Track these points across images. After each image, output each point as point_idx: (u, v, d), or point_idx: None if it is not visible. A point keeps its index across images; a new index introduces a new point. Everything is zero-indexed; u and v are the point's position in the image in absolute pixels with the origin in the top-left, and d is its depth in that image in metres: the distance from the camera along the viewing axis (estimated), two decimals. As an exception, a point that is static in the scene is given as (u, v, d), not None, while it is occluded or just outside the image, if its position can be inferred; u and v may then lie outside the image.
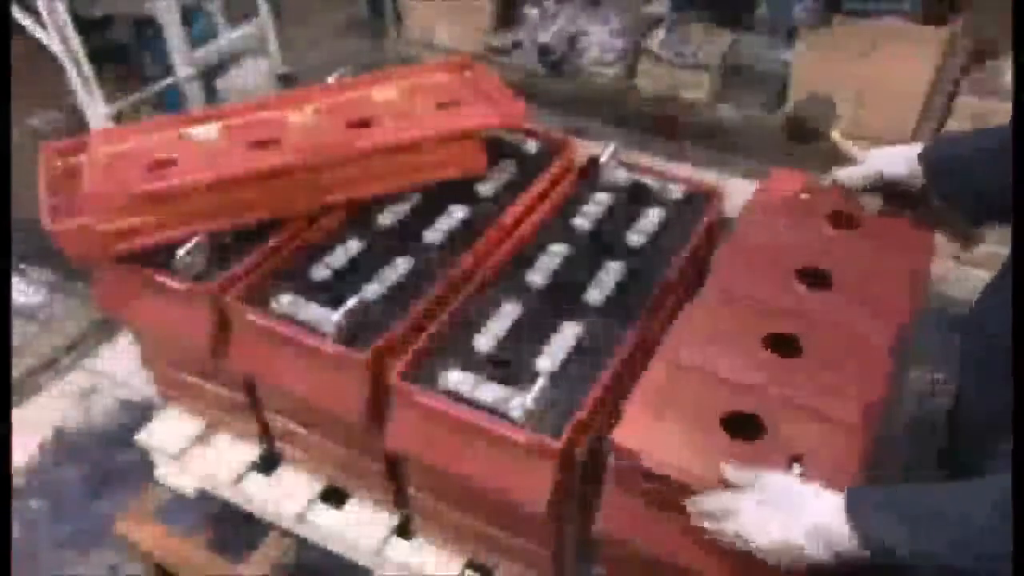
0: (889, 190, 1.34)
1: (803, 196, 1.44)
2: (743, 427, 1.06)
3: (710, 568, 1.05)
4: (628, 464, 1.04)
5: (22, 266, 2.87)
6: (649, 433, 1.05)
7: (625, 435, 1.05)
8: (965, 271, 2.58)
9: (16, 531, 2.06)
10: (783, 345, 1.17)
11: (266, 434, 1.59)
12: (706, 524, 0.99)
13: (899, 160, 1.30)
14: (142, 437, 1.68)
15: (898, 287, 1.26)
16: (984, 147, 1.18)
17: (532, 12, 4.03)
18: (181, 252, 1.37)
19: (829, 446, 1.02)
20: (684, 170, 1.75)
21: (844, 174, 1.36)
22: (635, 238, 1.47)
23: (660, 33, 3.78)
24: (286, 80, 3.73)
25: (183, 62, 3.28)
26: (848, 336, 1.17)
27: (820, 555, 0.90)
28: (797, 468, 1.00)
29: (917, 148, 1.28)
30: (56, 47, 2.92)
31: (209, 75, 3.49)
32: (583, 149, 1.72)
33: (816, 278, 1.28)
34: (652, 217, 1.53)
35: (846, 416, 1.06)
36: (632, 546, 1.11)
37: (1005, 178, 1.01)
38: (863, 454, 1.03)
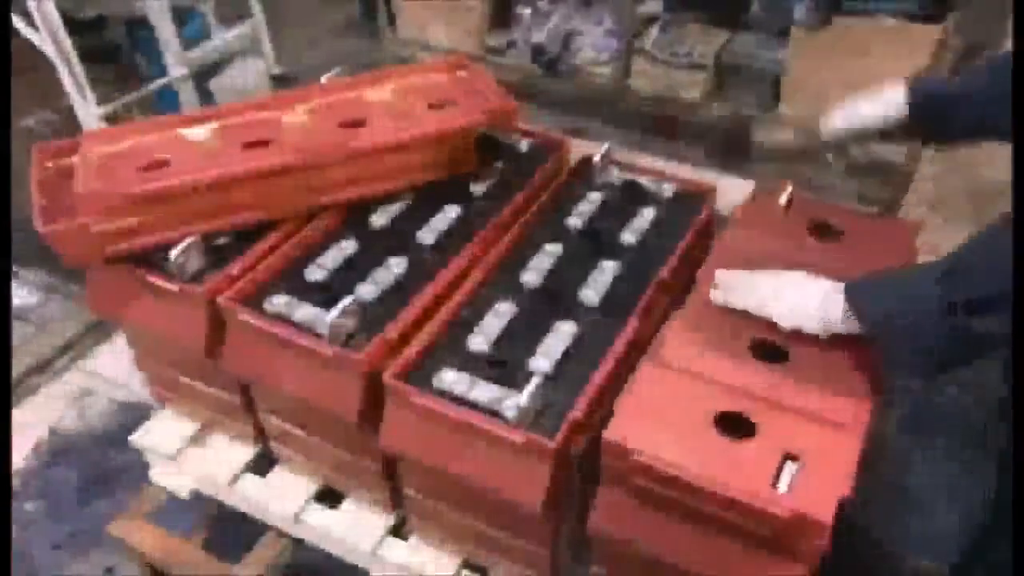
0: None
1: (784, 209, 1.46)
2: (735, 429, 1.06)
3: (706, 564, 1.04)
4: (621, 461, 1.04)
5: (15, 268, 2.86)
6: (640, 431, 1.05)
7: (616, 432, 1.05)
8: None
9: (13, 532, 2.05)
10: (770, 352, 1.18)
11: (261, 435, 1.58)
12: (729, 298, 1.22)
13: (878, 109, 1.35)
14: (137, 438, 1.67)
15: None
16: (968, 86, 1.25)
17: (525, 12, 4.02)
18: (175, 253, 1.36)
19: (824, 446, 1.02)
20: (684, 170, 1.75)
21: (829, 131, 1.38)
22: (630, 237, 1.47)
23: (654, 32, 3.78)
24: (281, 80, 3.72)
25: (176, 62, 3.27)
26: (834, 341, 1.17)
27: (827, 320, 1.12)
28: (792, 465, 0.99)
29: (893, 93, 1.33)
30: (48, 48, 2.91)
31: (203, 75, 3.48)
32: (582, 149, 1.71)
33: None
34: (646, 216, 1.52)
35: (839, 417, 1.06)
36: (627, 544, 1.10)
37: (984, 109, 1.16)
38: (858, 453, 1.03)
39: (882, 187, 3.01)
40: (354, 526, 1.49)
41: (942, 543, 1.82)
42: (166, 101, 3.39)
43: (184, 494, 1.66)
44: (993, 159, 2.42)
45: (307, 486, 1.56)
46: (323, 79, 1.73)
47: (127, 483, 1.82)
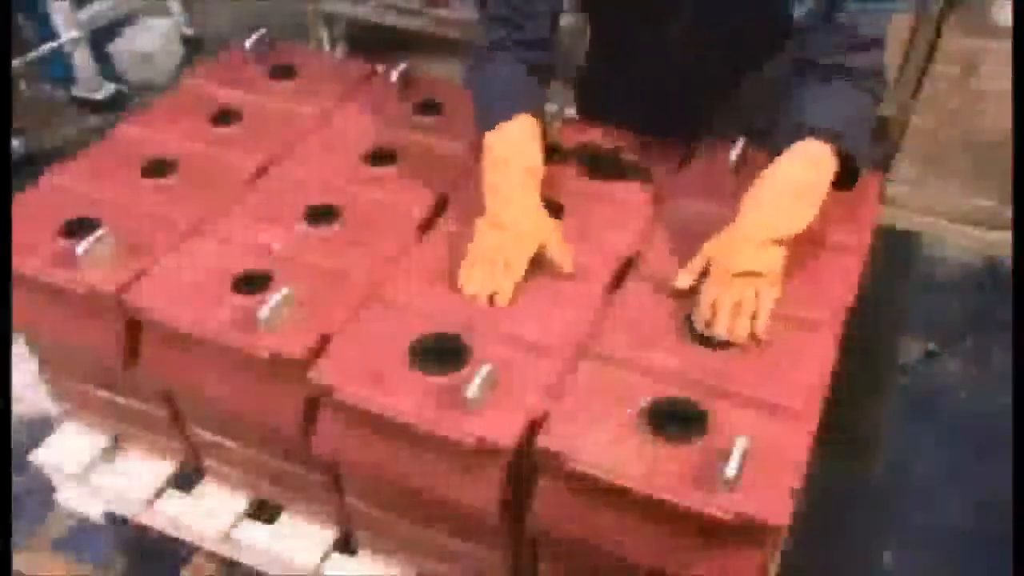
0: None
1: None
2: (675, 422, 1.11)
3: (658, 557, 1.10)
4: (556, 464, 1.09)
5: None
6: (576, 433, 1.10)
7: (550, 437, 1.09)
8: (959, 228, 2.68)
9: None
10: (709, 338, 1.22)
11: (185, 447, 1.59)
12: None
13: None
14: (39, 456, 1.67)
15: (841, 268, 1.33)
16: None
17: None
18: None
19: (771, 435, 1.08)
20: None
21: None
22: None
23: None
24: (192, 43, 3.68)
25: (66, 24, 3.22)
26: (785, 321, 1.22)
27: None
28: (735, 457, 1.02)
29: None
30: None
31: (100, 38, 3.43)
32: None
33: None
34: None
35: (788, 402, 1.12)
36: (572, 540, 1.15)
37: None
38: (810, 440, 1.09)
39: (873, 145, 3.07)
40: (294, 542, 1.52)
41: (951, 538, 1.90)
42: (57, 69, 3.34)
43: (97, 517, 1.67)
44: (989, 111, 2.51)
45: (238, 501, 1.58)
46: (247, 43, 1.76)
47: (31, 509, 1.82)
